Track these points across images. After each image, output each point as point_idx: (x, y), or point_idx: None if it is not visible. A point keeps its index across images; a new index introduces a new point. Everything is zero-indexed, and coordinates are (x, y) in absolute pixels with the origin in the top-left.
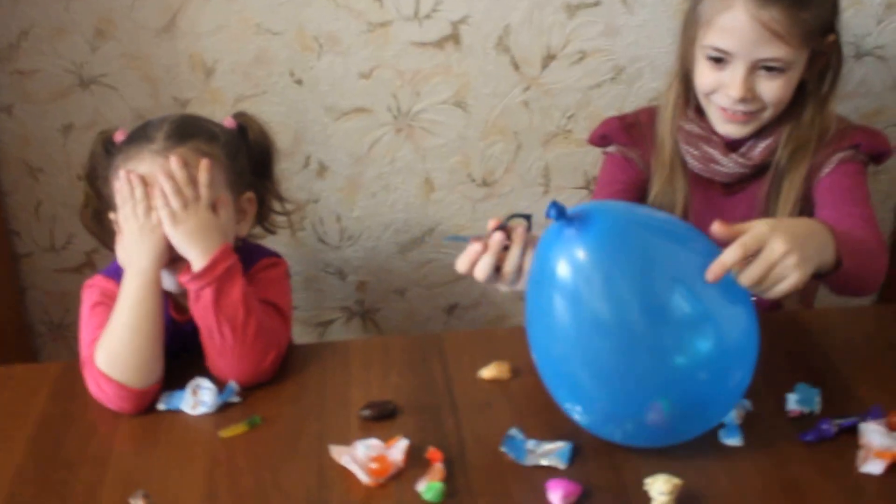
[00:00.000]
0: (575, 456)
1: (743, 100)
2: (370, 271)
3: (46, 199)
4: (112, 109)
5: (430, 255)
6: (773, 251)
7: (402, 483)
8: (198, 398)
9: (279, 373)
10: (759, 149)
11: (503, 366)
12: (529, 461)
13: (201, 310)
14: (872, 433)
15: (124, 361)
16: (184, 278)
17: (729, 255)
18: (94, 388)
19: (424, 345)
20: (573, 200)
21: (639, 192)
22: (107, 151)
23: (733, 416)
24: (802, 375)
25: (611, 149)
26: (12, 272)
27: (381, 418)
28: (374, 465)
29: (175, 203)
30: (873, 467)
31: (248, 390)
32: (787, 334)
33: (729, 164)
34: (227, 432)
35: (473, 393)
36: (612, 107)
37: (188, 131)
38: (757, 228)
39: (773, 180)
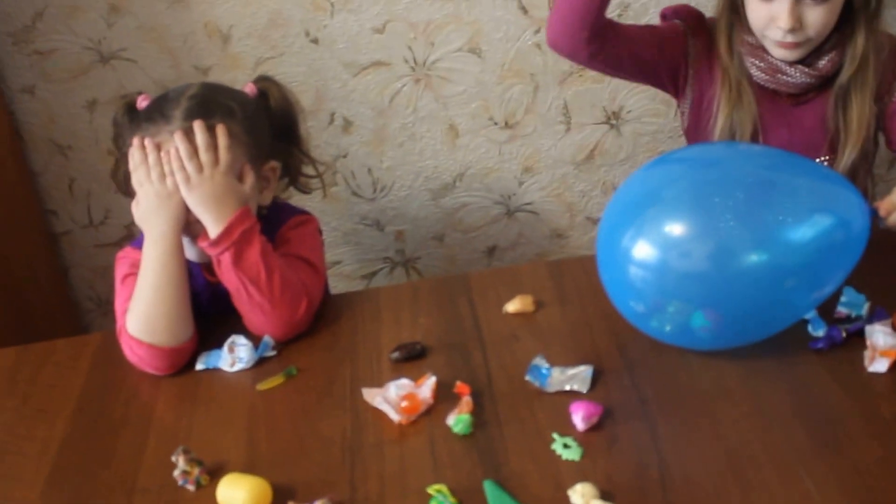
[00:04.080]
0: (596, 379)
1: (792, 30)
2: (406, 220)
3: (79, 176)
4: (134, 82)
5: (463, 200)
6: None
7: (433, 419)
8: (235, 355)
9: (313, 324)
10: (824, 60)
11: (527, 299)
12: (553, 387)
13: (224, 272)
14: (877, 334)
15: (152, 323)
16: (203, 243)
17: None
18: (129, 353)
19: (452, 286)
20: (595, 136)
21: (666, 62)
22: (129, 117)
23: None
24: None
25: (677, 21)
26: (52, 252)
27: (411, 359)
28: (404, 404)
29: (190, 167)
30: (879, 366)
31: (283, 343)
32: None
33: (796, 74)
34: (265, 385)
35: (499, 327)
36: None
37: (206, 109)
38: None
39: (839, 91)
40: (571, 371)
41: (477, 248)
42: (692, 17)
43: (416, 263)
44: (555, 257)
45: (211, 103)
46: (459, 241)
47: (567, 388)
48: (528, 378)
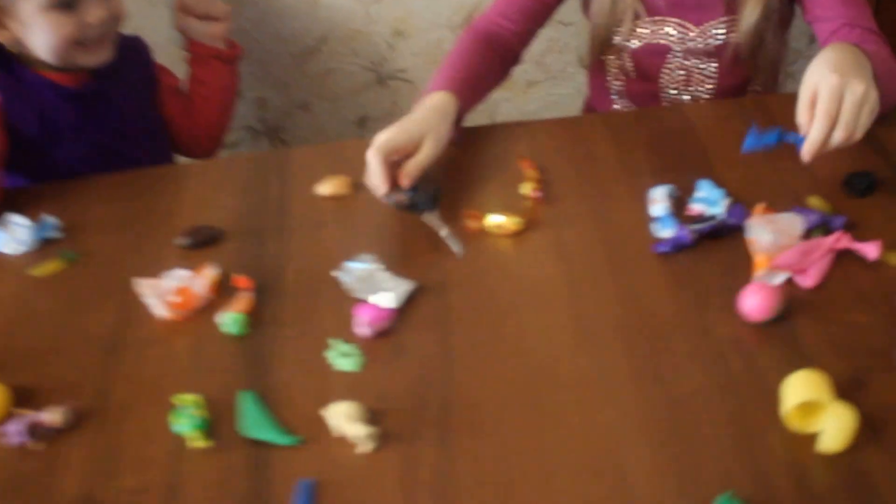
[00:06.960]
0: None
1: None
2: (268, 86)
3: None
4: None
5: (330, 65)
6: (855, 94)
7: (207, 316)
8: (13, 236)
9: (108, 202)
10: None
11: (343, 180)
12: (359, 294)
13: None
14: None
15: None
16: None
17: (818, 130)
18: None
19: (269, 162)
20: None
21: None
22: None
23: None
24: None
25: None
26: None
27: (201, 245)
28: (175, 299)
29: None
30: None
31: (70, 223)
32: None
33: None
34: (39, 270)
35: (308, 212)
36: None
37: None
38: (825, 87)
39: None
40: (389, 282)
41: (346, 117)
42: None
43: (281, 133)
44: None
45: None
46: (327, 111)
47: (372, 300)
48: (337, 275)
